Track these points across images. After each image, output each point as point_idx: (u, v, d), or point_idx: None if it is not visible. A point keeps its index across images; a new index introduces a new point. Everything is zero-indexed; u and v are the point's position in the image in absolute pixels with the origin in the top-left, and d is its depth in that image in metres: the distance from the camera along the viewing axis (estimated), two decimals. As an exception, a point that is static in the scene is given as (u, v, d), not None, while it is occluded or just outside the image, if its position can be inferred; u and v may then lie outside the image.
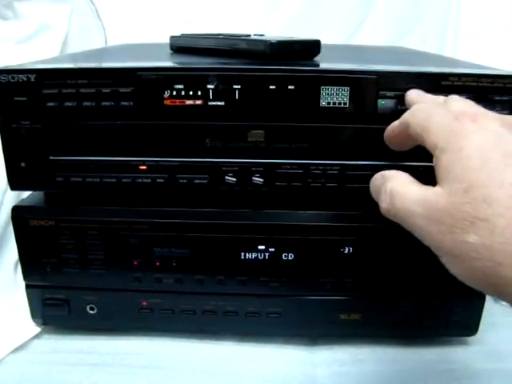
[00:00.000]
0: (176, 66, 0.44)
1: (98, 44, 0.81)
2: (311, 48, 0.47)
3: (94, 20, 0.82)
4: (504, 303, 0.58)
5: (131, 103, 0.42)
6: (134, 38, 0.78)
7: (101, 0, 0.80)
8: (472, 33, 0.80)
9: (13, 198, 0.61)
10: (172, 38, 0.56)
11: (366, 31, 0.83)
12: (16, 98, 0.42)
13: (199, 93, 0.41)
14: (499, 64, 0.68)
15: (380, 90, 0.41)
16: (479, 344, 0.51)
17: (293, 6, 0.82)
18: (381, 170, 0.37)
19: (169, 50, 0.56)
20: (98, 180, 0.44)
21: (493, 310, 0.55)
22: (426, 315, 0.49)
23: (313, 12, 0.82)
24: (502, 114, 0.40)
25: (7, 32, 0.71)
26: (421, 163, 0.41)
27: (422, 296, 0.48)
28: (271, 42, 0.43)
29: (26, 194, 0.51)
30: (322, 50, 0.47)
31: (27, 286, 0.49)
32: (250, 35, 0.49)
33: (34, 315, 0.50)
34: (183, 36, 0.55)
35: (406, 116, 0.35)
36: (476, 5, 0.80)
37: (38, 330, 0.51)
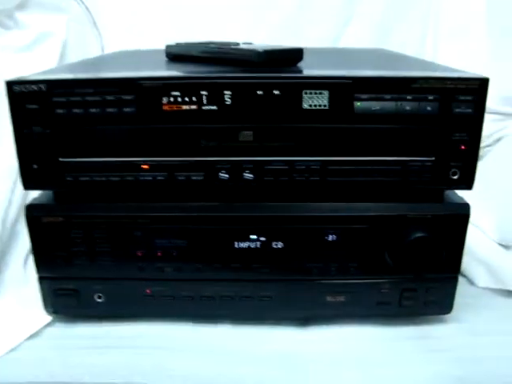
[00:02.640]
0: (173, 75, 0.48)
1: (95, 51, 0.84)
2: (294, 55, 0.52)
3: (91, 28, 0.85)
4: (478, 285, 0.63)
5: (133, 109, 0.46)
6: (130, 44, 0.82)
7: (97, 9, 0.84)
8: (450, 34, 0.85)
9: (20, 196, 0.65)
10: (168, 46, 0.60)
11: (350, 33, 0.88)
12: (28, 106, 0.46)
13: (194, 98, 0.46)
14: (475, 63, 0.73)
15: (355, 93, 0.46)
16: (455, 321, 0.56)
17: (281, 9, 0.86)
18: (359, 165, 0.41)
19: (164, 58, 0.60)
20: (105, 179, 0.48)
21: (467, 292, 0.59)
22: (404, 296, 0.53)
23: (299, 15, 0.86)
24: (464, 112, 0.45)
25: (9, 41, 0.75)
26: (397, 158, 0.46)
27: (399, 278, 0.52)
28: (258, 52, 0.48)
29: (32, 192, 0.55)
30: (307, 55, 0.52)
31: (40, 278, 0.53)
32: (238, 44, 0.54)
33: (46, 305, 0.54)
34: (178, 45, 0.60)
35: None
36: (454, 7, 0.85)
37: (49, 318, 0.55)
